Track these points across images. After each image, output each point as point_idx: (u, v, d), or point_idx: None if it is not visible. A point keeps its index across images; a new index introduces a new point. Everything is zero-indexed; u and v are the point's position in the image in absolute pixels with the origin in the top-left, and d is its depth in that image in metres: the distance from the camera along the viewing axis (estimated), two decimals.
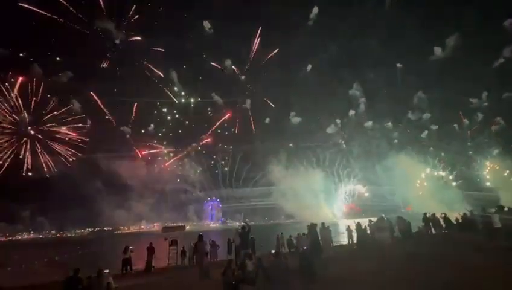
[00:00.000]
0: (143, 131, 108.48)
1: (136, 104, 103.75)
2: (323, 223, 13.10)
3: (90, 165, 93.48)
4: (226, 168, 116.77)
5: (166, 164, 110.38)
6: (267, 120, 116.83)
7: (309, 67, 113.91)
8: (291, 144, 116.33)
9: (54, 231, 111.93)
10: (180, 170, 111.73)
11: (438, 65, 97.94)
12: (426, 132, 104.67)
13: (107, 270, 11.85)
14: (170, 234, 16.45)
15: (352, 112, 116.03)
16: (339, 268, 9.57)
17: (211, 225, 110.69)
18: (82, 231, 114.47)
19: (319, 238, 12.37)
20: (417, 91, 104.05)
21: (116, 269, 13.42)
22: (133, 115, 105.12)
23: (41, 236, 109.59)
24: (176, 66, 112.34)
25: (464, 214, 18.37)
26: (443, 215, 17.34)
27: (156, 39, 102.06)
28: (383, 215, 15.94)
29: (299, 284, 7.55)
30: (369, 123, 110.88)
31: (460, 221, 17.70)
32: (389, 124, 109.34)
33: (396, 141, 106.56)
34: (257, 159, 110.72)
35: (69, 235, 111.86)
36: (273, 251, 11.51)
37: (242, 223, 14.10)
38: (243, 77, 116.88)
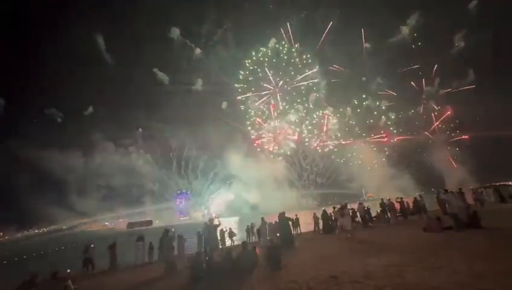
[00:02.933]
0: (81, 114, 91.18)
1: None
2: (283, 213, 13.36)
3: (12, 156, 79.40)
4: (182, 160, 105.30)
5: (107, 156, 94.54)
6: (224, 104, 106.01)
7: (271, 42, 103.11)
8: (252, 131, 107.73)
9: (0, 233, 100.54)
10: (125, 160, 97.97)
11: (400, 46, 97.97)
12: (384, 119, 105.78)
13: (69, 270, 11.03)
14: (136, 230, 15.72)
15: (314, 96, 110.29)
16: (304, 254, 10.06)
17: (181, 218, 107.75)
18: (36, 231, 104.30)
19: (290, 227, 12.82)
20: (376, 76, 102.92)
21: (77, 270, 12.58)
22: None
23: None
24: (105, 29, 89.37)
25: (415, 198, 20.38)
26: (399, 200, 18.97)
27: None
28: (346, 203, 17.00)
29: (264, 272, 7.79)
30: (330, 109, 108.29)
31: (411, 205, 19.66)
32: (348, 109, 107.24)
33: (357, 129, 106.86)
34: (215, 147, 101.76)
35: (19, 235, 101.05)
36: (241, 242, 11.68)
37: (209, 217, 13.99)
38: (198, 51, 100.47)
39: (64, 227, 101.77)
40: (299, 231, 18.93)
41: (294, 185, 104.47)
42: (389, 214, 18.10)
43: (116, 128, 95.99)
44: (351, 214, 17.31)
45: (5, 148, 78.34)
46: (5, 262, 26.55)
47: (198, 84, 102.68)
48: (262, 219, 16.22)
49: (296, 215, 19.79)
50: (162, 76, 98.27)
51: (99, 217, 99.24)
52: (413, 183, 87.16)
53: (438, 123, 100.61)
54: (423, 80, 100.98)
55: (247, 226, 19.39)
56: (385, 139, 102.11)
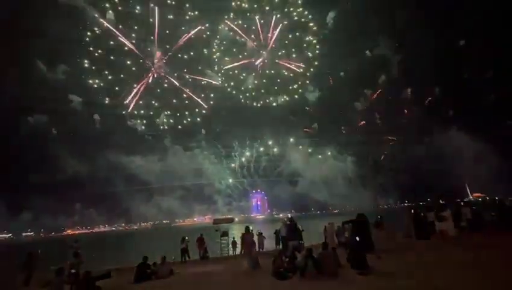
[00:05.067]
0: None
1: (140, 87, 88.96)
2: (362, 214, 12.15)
3: (109, 161, 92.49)
4: (243, 158, 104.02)
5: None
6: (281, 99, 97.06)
7: (330, 19, 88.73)
8: (315, 125, 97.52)
9: (123, 224, 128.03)
10: (194, 162, 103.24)
11: None
12: (492, 96, 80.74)
13: (173, 257, 13.22)
14: (220, 226, 17.36)
15: (382, 78, 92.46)
16: (391, 260, 9.00)
17: (258, 216, 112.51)
18: (145, 223, 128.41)
19: (370, 230, 11.77)
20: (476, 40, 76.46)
21: (174, 257, 14.92)
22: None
23: (113, 228, 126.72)
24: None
25: None
26: None
27: None
28: (444, 203, 14.33)
29: (349, 276, 7.35)
30: (407, 91, 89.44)
31: None
32: (436, 90, 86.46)
33: (451, 112, 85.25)
34: (276, 144, 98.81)
35: (135, 227, 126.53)
36: (322, 242, 11.35)
37: (289, 215, 14.16)
38: (249, 43, 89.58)
39: (164, 221, 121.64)
40: (383, 235, 17.07)
41: (368, 183, 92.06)
42: None
43: (181, 132, 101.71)
44: (451, 216, 14.53)
45: (104, 158, 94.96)
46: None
47: (250, 81, 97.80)
48: (332, 224, 15.42)
49: (379, 216, 17.96)
50: (212, 77, 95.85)
51: (183, 213, 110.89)
52: None
53: None
54: None
55: (325, 226, 18.62)
56: None
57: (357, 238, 11.47)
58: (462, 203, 15.96)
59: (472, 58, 78.73)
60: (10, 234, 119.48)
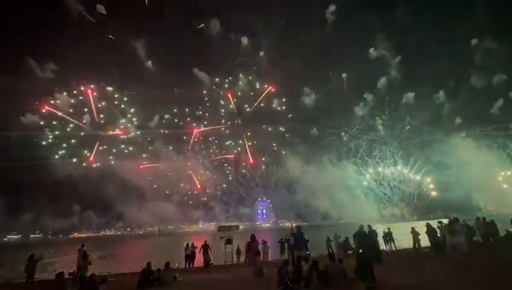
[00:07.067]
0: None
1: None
2: (369, 226, 11.84)
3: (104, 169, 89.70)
4: (239, 166, 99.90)
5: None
6: (275, 103, 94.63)
7: (329, 15, 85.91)
8: (313, 130, 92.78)
9: (128, 229, 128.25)
10: (187, 167, 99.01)
11: None
12: (500, 101, 78.10)
13: (177, 264, 13.09)
14: (225, 234, 17.24)
15: (382, 81, 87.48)
16: (401, 274, 8.69)
17: (263, 225, 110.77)
18: (150, 228, 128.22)
19: (377, 242, 11.46)
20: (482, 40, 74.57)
21: (178, 264, 14.77)
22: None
23: (119, 233, 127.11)
24: (142, 30, 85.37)
25: None
26: None
27: None
28: (457, 217, 13.83)
29: (356, 288, 7.11)
30: (410, 95, 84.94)
31: None
32: (440, 94, 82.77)
33: (459, 120, 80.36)
34: (273, 151, 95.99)
35: (140, 232, 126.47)
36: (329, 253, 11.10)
37: (295, 224, 13.98)
38: (244, 40, 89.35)
39: (169, 227, 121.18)
40: (393, 247, 16.63)
41: (372, 193, 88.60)
42: None
43: (173, 136, 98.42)
44: (464, 230, 14.05)
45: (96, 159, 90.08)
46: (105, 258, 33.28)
47: (243, 83, 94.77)
48: (336, 235, 15.59)
49: (388, 228, 17.54)
50: (204, 76, 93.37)
51: (181, 219, 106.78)
52: None
53: None
54: None
55: (328, 237, 18.07)
56: None
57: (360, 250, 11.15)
58: (475, 217, 15.46)
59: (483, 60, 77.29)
60: (19, 235, 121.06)
